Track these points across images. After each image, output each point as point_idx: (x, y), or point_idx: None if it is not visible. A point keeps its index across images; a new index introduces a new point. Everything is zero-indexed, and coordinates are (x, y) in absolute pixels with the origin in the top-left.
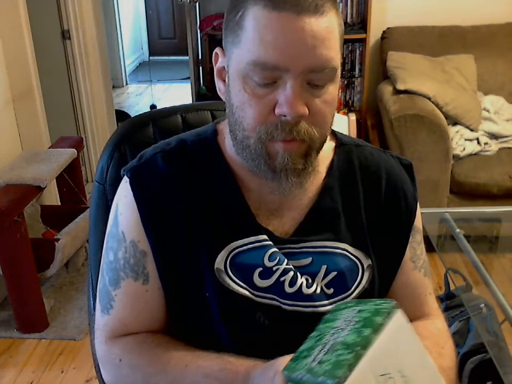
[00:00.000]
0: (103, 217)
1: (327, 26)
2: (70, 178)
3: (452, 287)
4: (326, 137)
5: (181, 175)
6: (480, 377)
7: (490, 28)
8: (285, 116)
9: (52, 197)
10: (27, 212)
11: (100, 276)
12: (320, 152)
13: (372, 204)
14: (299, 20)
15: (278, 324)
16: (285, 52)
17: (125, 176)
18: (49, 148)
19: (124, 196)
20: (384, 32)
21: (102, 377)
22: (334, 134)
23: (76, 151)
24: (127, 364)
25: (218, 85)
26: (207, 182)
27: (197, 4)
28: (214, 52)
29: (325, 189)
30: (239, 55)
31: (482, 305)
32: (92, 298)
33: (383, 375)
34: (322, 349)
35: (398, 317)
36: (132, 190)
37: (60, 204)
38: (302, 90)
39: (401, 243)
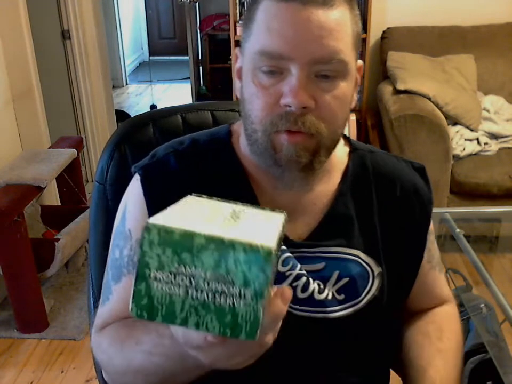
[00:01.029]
0: (103, 217)
1: (336, 19)
2: (70, 178)
3: (452, 287)
4: (338, 135)
5: (193, 175)
6: (480, 377)
7: (490, 28)
8: (289, 106)
9: (52, 197)
10: (27, 212)
11: (105, 272)
12: (335, 156)
13: (385, 210)
14: (306, 10)
15: (286, 329)
16: (290, 41)
17: (136, 174)
18: (49, 148)
19: (133, 194)
20: (384, 32)
21: (102, 377)
22: (348, 140)
23: (75, 151)
24: (102, 350)
25: (236, 84)
26: (220, 183)
27: (197, 4)
28: (234, 53)
29: (339, 194)
30: (249, 48)
31: (482, 305)
32: (92, 298)
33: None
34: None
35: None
36: (143, 188)
37: (60, 204)
38: (308, 82)
39: (417, 248)
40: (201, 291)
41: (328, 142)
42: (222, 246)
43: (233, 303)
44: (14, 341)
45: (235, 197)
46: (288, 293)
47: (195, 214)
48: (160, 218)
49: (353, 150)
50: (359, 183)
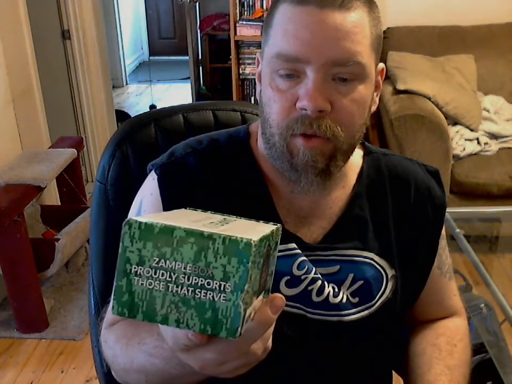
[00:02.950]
0: (104, 216)
1: (353, 21)
2: (70, 178)
3: None
4: (356, 139)
5: (212, 177)
6: (480, 377)
7: (490, 28)
8: (305, 109)
9: (52, 197)
10: (27, 212)
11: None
12: (350, 159)
13: (400, 213)
14: (322, 13)
15: (301, 333)
16: (305, 43)
17: (152, 173)
18: (49, 148)
19: (149, 194)
20: (384, 32)
21: (102, 376)
22: (362, 142)
23: (75, 151)
24: (109, 346)
25: (257, 88)
26: (239, 186)
27: (197, 3)
28: (256, 58)
29: (354, 197)
30: (267, 52)
31: (482, 305)
32: (92, 298)
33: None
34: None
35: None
36: (160, 188)
37: (60, 204)
38: (325, 85)
39: (429, 252)
40: (182, 286)
41: (345, 146)
42: (202, 238)
43: (213, 298)
44: (14, 341)
45: (252, 200)
46: (279, 301)
47: (182, 217)
48: (143, 217)
49: (367, 153)
50: (374, 186)
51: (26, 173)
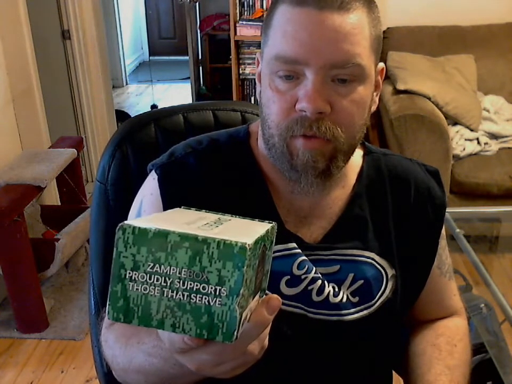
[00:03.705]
0: (104, 216)
1: (352, 23)
2: (70, 178)
3: None
4: (355, 140)
5: (212, 177)
6: (480, 377)
7: (490, 28)
8: (304, 111)
9: (52, 197)
10: (27, 212)
11: None
12: (351, 159)
13: (400, 213)
14: (321, 15)
15: (301, 332)
16: (304, 45)
17: (153, 173)
18: (49, 148)
19: (149, 193)
20: (384, 32)
21: (102, 376)
22: (362, 142)
23: (75, 151)
24: (108, 346)
25: (257, 88)
26: (238, 185)
27: (197, 3)
28: (256, 58)
29: (354, 197)
30: (267, 53)
31: (482, 305)
32: (92, 298)
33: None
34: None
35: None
36: (160, 188)
37: (60, 204)
38: (324, 87)
39: (429, 252)
40: (177, 291)
41: (345, 147)
42: (196, 243)
43: (208, 302)
44: (14, 341)
45: (252, 200)
46: (276, 302)
47: (176, 219)
48: (137, 221)
49: (367, 152)
50: (374, 186)
51: (26, 173)
